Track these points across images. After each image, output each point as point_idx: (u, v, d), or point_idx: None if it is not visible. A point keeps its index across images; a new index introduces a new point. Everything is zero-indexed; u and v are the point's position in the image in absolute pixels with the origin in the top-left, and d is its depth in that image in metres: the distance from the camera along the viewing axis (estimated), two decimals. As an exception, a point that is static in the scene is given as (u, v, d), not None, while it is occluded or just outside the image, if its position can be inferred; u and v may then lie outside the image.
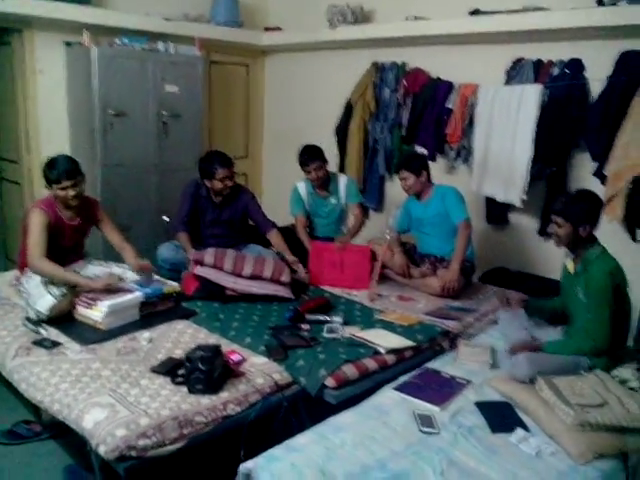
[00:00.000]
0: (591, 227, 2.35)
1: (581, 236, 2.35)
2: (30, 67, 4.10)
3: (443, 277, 3.25)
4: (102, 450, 1.82)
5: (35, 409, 2.64)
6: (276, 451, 1.80)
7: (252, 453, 1.82)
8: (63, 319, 2.67)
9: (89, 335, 2.56)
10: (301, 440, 1.87)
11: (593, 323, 2.30)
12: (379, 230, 3.77)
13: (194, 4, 4.71)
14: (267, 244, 3.68)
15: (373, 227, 4.06)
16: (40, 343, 2.45)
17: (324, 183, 3.85)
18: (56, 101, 4.23)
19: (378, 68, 4.51)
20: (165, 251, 3.49)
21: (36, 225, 2.78)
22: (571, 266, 2.49)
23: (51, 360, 2.33)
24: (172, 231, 3.61)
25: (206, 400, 2.08)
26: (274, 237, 3.61)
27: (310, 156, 3.76)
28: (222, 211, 3.61)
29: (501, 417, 2.03)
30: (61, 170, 2.81)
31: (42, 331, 2.57)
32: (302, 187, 3.91)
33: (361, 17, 4.44)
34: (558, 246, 2.47)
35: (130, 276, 2.96)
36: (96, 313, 2.62)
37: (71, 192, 2.84)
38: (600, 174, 3.44)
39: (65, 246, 2.96)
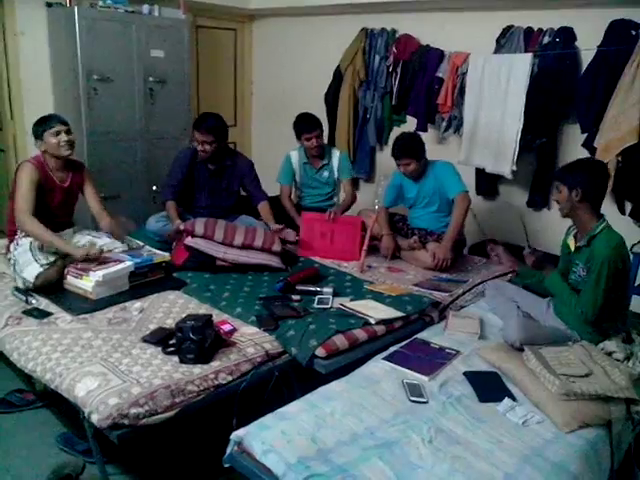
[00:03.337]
0: (584, 193, 2.28)
1: (574, 202, 2.30)
2: (10, 29, 3.98)
3: (435, 253, 3.22)
4: (95, 418, 1.83)
5: (28, 378, 2.65)
6: (267, 419, 1.82)
7: (244, 422, 1.83)
8: (53, 289, 2.66)
9: (80, 305, 2.55)
10: (292, 409, 1.89)
11: (587, 295, 2.28)
12: (369, 200, 3.76)
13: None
14: (258, 216, 3.67)
15: (363, 198, 4.05)
16: (31, 313, 2.45)
17: (321, 153, 3.83)
18: (39, 65, 4.12)
19: (367, 34, 4.44)
20: (154, 223, 3.46)
21: (25, 179, 2.76)
22: (572, 242, 2.45)
23: (42, 330, 2.32)
24: (161, 198, 3.57)
25: (198, 369, 2.10)
26: (262, 208, 3.59)
27: (311, 124, 3.74)
28: (217, 179, 3.56)
29: (489, 387, 2.06)
30: (55, 117, 2.90)
31: (32, 301, 2.56)
32: (295, 157, 3.87)
33: (351, -19, 4.34)
34: (561, 215, 2.41)
35: (120, 246, 2.94)
36: (86, 283, 2.61)
37: (64, 137, 2.83)
38: (589, 146, 3.44)
39: (54, 210, 2.93)
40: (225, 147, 3.55)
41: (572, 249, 2.45)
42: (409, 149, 3.32)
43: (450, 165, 3.41)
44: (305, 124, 3.74)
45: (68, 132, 2.86)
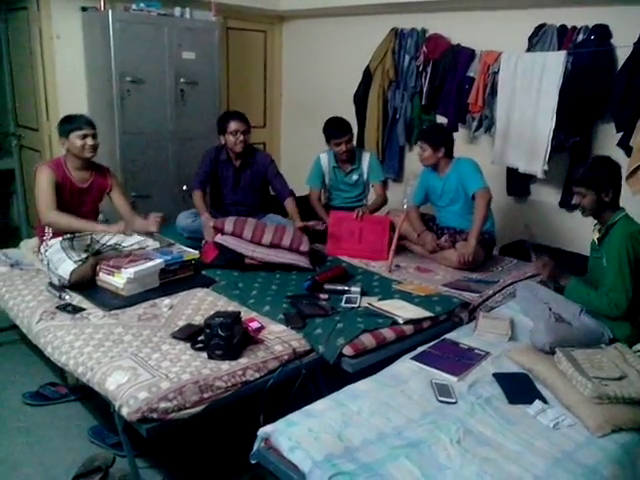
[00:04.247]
0: (613, 191, 2.37)
1: (605, 202, 2.37)
2: (47, 32, 4.08)
3: (460, 250, 3.23)
4: (125, 412, 1.86)
5: (61, 372, 2.73)
6: (294, 416, 1.82)
7: (270, 419, 1.84)
8: (86, 285, 2.71)
9: (111, 301, 2.60)
10: (319, 406, 1.89)
11: (612, 283, 2.30)
12: (398, 200, 3.73)
13: (211, -33, 4.61)
14: (286, 214, 3.68)
15: (392, 197, 4.02)
16: (64, 308, 2.50)
17: (350, 157, 3.81)
18: (74, 67, 4.21)
19: (397, 34, 4.41)
20: (183, 219, 3.51)
21: (43, 181, 2.84)
22: (596, 236, 2.49)
23: (75, 324, 2.37)
24: (190, 191, 3.63)
25: (226, 366, 2.11)
26: (289, 204, 3.61)
27: (340, 129, 3.71)
28: (242, 175, 3.62)
29: (519, 388, 2.03)
30: (83, 119, 2.95)
31: (66, 296, 2.61)
32: (325, 159, 3.87)
33: (380, -19, 4.32)
34: (585, 216, 2.48)
35: (151, 244, 2.98)
36: (118, 280, 2.65)
37: (90, 141, 2.89)
38: (624, 145, 3.37)
39: (71, 209, 2.97)
40: None
41: (596, 242, 2.49)
42: (427, 133, 3.45)
43: (472, 161, 3.39)
44: (335, 129, 3.72)
45: (94, 137, 2.91)
